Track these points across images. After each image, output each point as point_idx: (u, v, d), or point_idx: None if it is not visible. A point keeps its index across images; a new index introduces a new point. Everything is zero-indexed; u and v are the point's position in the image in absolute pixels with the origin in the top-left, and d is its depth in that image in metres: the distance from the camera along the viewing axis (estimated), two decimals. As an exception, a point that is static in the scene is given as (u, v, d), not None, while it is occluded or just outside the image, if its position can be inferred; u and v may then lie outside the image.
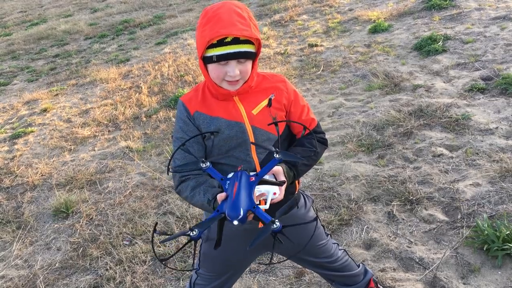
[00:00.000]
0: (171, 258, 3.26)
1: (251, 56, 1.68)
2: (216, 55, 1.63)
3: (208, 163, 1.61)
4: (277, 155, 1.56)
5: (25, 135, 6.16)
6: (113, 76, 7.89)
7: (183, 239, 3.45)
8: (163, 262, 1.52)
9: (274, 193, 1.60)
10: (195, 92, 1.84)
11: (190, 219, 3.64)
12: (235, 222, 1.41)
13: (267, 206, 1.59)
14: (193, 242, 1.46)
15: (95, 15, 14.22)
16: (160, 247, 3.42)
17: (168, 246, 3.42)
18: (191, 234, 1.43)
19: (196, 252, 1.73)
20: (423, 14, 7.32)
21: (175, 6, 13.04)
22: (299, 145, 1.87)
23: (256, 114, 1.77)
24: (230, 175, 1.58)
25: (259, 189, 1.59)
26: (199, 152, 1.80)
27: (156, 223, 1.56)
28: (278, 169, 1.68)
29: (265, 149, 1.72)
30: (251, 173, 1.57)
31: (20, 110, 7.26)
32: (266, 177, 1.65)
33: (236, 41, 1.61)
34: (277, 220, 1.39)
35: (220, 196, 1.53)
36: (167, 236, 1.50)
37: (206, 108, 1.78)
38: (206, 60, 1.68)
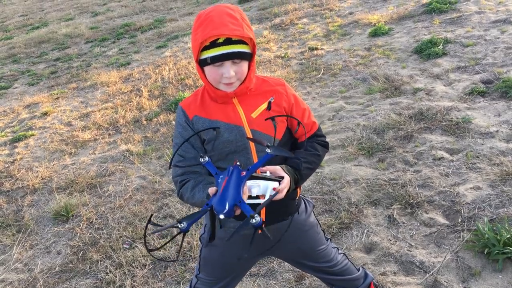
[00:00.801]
0: (171, 262, 3.26)
1: (246, 57, 1.68)
2: (210, 57, 1.64)
3: (207, 158, 1.60)
4: (269, 150, 1.55)
5: (25, 138, 6.16)
6: (113, 79, 7.90)
7: (176, 235, 3.45)
8: (151, 253, 1.53)
9: (274, 188, 1.58)
10: (194, 97, 1.84)
11: (190, 223, 3.63)
12: (221, 216, 1.42)
13: (260, 201, 1.59)
14: (182, 234, 1.47)
15: (96, 18, 14.25)
16: (154, 244, 3.42)
17: (163, 247, 3.41)
18: (179, 226, 1.43)
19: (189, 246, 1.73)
20: (423, 17, 7.33)
21: (175, 9, 13.07)
22: (303, 145, 1.87)
23: (255, 117, 1.77)
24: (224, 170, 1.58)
25: (258, 184, 1.57)
26: (193, 157, 1.80)
27: (152, 215, 1.56)
28: (276, 167, 1.67)
29: (258, 143, 1.68)
30: (244, 169, 1.57)
31: (21, 113, 7.27)
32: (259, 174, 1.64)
33: (228, 41, 1.62)
34: (256, 215, 1.38)
35: (211, 190, 1.53)
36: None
37: (205, 112, 1.78)
38: (202, 63, 1.69)
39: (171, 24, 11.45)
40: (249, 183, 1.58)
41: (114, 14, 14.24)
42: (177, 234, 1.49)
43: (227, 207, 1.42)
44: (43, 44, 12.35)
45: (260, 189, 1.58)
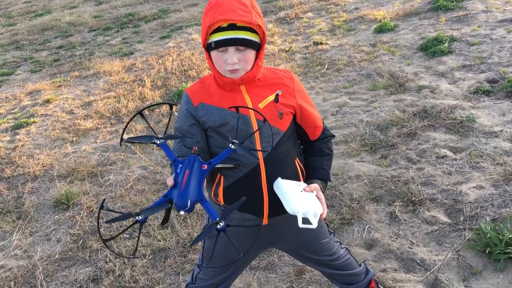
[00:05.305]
0: (127, 258, 3.26)
1: (251, 45, 1.67)
2: (214, 41, 1.65)
3: (162, 140, 1.52)
4: (232, 146, 1.48)
5: (27, 125, 6.15)
6: (116, 69, 7.87)
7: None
8: (106, 243, 1.45)
9: (321, 215, 1.68)
10: (200, 84, 1.84)
11: (191, 214, 3.63)
12: (182, 212, 1.37)
13: (314, 226, 1.62)
14: (138, 225, 1.40)
15: (100, 7, 14.19)
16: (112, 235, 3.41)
17: (115, 238, 3.40)
18: (137, 218, 1.37)
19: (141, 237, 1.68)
20: (429, 14, 7.29)
21: (180, 0, 13.00)
22: (318, 151, 1.96)
23: (262, 108, 1.76)
24: (183, 159, 1.49)
25: (314, 209, 1.65)
26: (197, 144, 1.79)
27: (104, 199, 1.53)
28: (316, 186, 1.80)
29: (223, 137, 1.58)
30: (205, 162, 1.49)
31: (23, 100, 7.25)
32: (308, 194, 1.73)
33: (232, 27, 1.62)
34: (221, 221, 1.33)
35: (169, 181, 1.46)
36: (114, 217, 1.44)
37: (212, 98, 1.78)
38: (209, 49, 1.69)
39: (175, 14, 11.40)
40: (310, 204, 1.67)
41: (118, 3, 14.18)
42: (132, 224, 1.43)
43: (188, 204, 1.36)
44: (46, 31, 12.30)
45: (315, 214, 1.66)
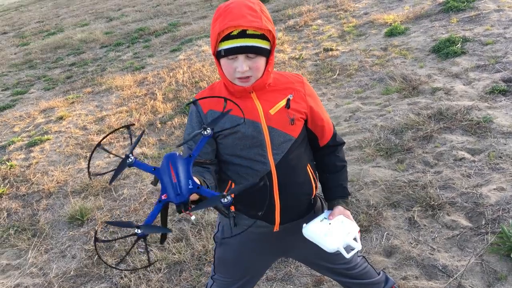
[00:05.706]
0: (127, 271, 3.21)
1: (262, 52, 1.63)
2: (224, 49, 1.61)
3: (132, 158, 1.39)
4: (205, 131, 1.36)
5: (41, 143, 6.18)
6: (128, 83, 7.91)
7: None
8: (106, 262, 1.39)
9: (359, 231, 1.74)
10: (210, 90, 1.81)
11: (206, 226, 3.58)
12: (193, 218, 1.33)
13: (359, 247, 1.71)
14: (142, 239, 1.32)
15: (110, 24, 14.35)
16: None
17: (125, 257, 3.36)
18: (136, 231, 1.28)
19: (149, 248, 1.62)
20: (440, 16, 7.20)
21: (189, 13, 13.08)
22: (332, 167, 1.92)
23: (273, 114, 1.73)
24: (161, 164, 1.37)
25: (347, 238, 1.70)
26: (206, 153, 1.74)
27: (96, 231, 1.46)
28: (339, 209, 1.83)
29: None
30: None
31: (37, 118, 7.30)
32: (337, 223, 1.75)
33: (242, 34, 1.58)
34: (228, 195, 1.24)
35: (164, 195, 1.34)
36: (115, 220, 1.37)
37: (221, 105, 1.74)
38: (218, 56, 1.66)
39: (185, 28, 11.46)
40: (344, 233, 1.71)
41: (129, 19, 14.32)
42: (129, 235, 1.35)
43: (185, 192, 1.27)
44: (59, 49, 12.45)
45: (354, 237, 1.72)
